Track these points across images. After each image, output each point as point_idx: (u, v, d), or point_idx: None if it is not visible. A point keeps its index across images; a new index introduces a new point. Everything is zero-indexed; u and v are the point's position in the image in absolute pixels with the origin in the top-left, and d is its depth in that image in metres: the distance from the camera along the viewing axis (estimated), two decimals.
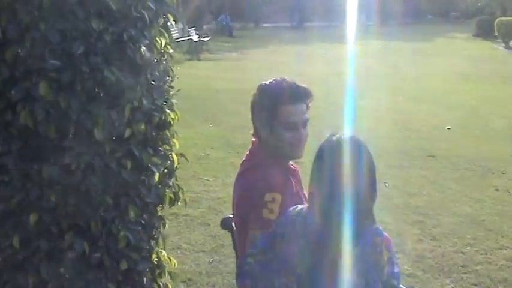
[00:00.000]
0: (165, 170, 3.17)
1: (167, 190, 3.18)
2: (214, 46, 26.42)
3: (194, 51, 24.33)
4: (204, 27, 31.79)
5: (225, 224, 3.52)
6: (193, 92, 15.72)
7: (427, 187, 8.09)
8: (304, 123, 3.19)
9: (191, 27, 26.39)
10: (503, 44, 30.26)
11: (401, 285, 2.94)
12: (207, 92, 15.05)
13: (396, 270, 2.59)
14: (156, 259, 3.12)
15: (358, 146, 2.60)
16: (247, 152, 3.33)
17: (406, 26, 42.89)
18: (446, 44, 31.70)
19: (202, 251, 5.90)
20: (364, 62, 22.71)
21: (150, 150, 2.89)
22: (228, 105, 14.29)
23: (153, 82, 2.92)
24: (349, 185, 2.50)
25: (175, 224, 6.62)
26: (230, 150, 10.33)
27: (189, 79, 17.94)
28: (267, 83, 3.24)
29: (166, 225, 3.35)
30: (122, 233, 2.81)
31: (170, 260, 3.32)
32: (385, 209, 7.18)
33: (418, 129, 11.72)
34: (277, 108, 3.12)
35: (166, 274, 3.24)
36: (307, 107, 3.23)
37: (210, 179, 8.52)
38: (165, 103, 3.00)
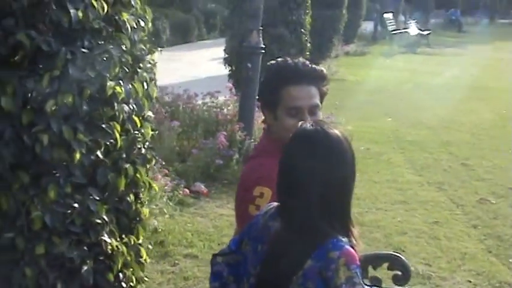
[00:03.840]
0: (120, 151, 2.84)
1: (118, 173, 2.84)
2: (437, 40, 25.34)
3: (412, 44, 23.72)
4: (432, 20, 30.73)
5: None
6: (385, 84, 15.11)
7: None
8: (312, 110, 2.71)
9: (412, 20, 25.62)
10: None
11: None
12: (401, 86, 14.37)
13: None
14: (109, 248, 2.81)
15: (328, 139, 2.19)
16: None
17: None
18: None
19: None
20: None
21: (80, 126, 2.58)
22: (417, 100, 13.50)
23: (84, 50, 2.60)
24: (305, 179, 2.15)
25: None
26: (394, 146, 9.81)
27: (387, 72, 17.32)
28: (275, 61, 2.84)
29: (145, 212, 2.99)
30: (35, 213, 2.56)
31: (139, 252, 2.97)
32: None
33: None
34: (279, 89, 2.70)
35: (119, 267, 2.88)
36: (321, 92, 2.76)
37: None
38: (107, 75, 2.66)
